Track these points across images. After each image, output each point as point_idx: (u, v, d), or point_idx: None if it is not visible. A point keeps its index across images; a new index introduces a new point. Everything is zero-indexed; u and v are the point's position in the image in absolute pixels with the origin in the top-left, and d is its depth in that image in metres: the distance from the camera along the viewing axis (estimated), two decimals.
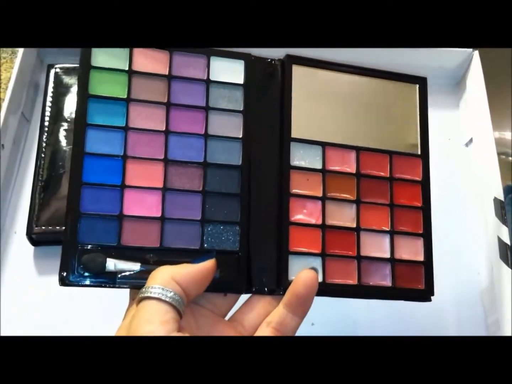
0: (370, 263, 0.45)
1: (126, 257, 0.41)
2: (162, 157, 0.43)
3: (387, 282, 0.45)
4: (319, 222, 0.45)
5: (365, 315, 0.56)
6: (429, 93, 0.49)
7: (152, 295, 0.37)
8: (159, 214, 0.43)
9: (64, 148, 0.58)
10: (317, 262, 0.44)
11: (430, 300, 0.46)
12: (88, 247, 0.41)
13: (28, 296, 0.54)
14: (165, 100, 0.44)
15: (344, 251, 0.45)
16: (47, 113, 0.60)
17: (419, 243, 0.47)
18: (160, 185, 0.43)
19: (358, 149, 0.46)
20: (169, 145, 0.44)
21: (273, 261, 0.43)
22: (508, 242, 0.53)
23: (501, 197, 0.54)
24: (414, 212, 0.47)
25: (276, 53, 0.48)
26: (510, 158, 0.76)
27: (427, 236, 0.47)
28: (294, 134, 0.46)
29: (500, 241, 0.54)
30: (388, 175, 0.47)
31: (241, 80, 0.46)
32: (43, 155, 0.58)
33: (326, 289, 0.43)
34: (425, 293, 0.46)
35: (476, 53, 0.62)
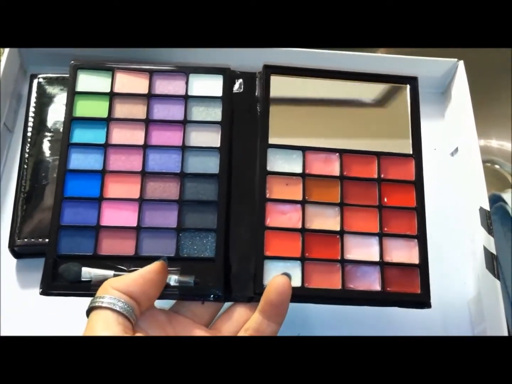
0: (356, 266, 0.45)
1: (102, 266, 0.43)
2: (139, 169, 0.46)
3: (376, 287, 0.44)
4: (299, 226, 0.45)
5: (351, 319, 0.55)
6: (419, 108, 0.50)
7: (92, 304, 0.39)
8: (135, 224, 0.45)
9: (47, 159, 0.58)
10: (295, 267, 0.44)
11: (429, 306, 0.45)
12: (67, 258, 0.44)
13: (10, 309, 0.53)
14: (144, 117, 0.48)
15: (327, 255, 0.45)
16: (30, 124, 0.60)
17: (413, 245, 0.46)
18: (137, 196, 0.46)
19: (341, 152, 0.47)
20: (147, 158, 0.47)
21: (252, 268, 0.44)
22: (494, 252, 0.53)
23: (486, 206, 0.54)
24: (407, 213, 0.47)
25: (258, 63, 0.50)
26: (496, 166, 0.77)
27: (422, 238, 0.46)
28: (272, 140, 0.47)
29: (486, 251, 0.54)
30: (376, 176, 0.47)
31: (219, 93, 0.49)
32: (25, 166, 0.58)
33: (306, 295, 0.43)
34: (421, 297, 0.44)
35: (461, 63, 0.62)
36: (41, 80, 0.62)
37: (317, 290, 0.43)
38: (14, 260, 0.56)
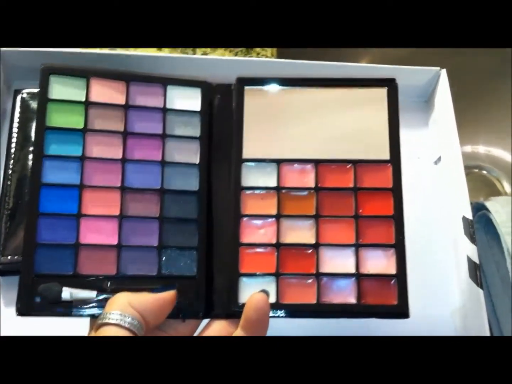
0: (332, 279, 0.45)
1: (83, 285, 0.43)
2: (119, 185, 0.45)
3: (352, 299, 0.44)
4: (274, 241, 0.45)
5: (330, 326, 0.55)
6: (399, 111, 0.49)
7: (111, 321, 0.38)
8: (115, 242, 0.44)
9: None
10: (270, 283, 0.44)
11: (407, 316, 0.44)
12: (45, 277, 0.43)
13: None
14: (122, 129, 0.47)
15: (302, 269, 0.45)
16: (14, 139, 0.60)
17: (390, 254, 0.45)
18: (117, 212, 0.45)
19: (316, 162, 0.47)
20: (126, 173, 0.46)
21: (229, 285, 0.45)
22: (477, 261, 0.53)
23: (469, 215, 0.55)
24: (384, 222, 0.46)
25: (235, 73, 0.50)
26: (483, 171, 0.77)
27: (399, 247, 0.45)
28: (246, 154, 0.47)
29: (469, 260, 0.54)
30: (352, 186, 0.47)
31: (197, 107, 0.49)
32: (9, 183, 0.58)
33: (281, 311, 0.44)
34: (398, 308, 0.44)
35: (443, 71, 0.63)
36: (25, 95, 0.62)
37: (292, 306, 0.44)
38: None
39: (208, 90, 0.49)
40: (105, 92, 0.47)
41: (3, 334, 0.52)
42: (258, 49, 0.72)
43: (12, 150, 0.59)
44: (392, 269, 0.45)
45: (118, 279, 0.44)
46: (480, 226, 0.59)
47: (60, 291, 0.42)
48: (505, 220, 0.55)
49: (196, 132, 0.48)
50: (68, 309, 0.42)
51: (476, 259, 0.54)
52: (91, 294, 0.42)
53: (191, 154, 0.48)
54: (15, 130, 0.60)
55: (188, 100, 0.49)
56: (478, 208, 0.59)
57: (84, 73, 0.47)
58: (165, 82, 0.49)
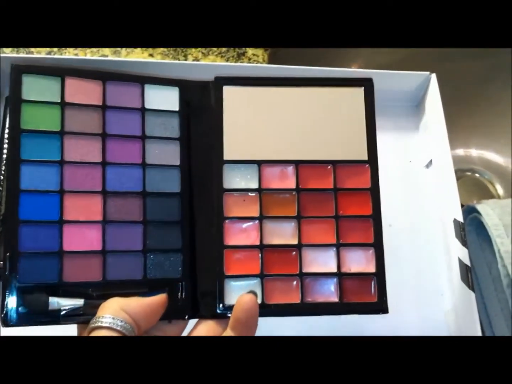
0: (315, 279, 0.46)
1: (69, 293, 0.42)
2: (100, 189, 0.45)
3: (334, 298, 0.45)
4: (257, 243, 0.46)
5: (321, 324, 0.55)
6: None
7: (103, 324, 0.39)
8: (100, 248, 0.44)
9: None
10: (256, 284, 0.45)
11: (386, 311, 0.45)
12: (29, 287, 0.42)
13: None
14: (101, 131, 0.46)
15: (285, 270, 0.46)
16: (5, 145, 0.59)
17: (370, 253, 0.46)
18: (100, 218, 0.44)
19: (297, 163, 0.47)
20: (107, 176, 0.45)
21: (215, 286, 0.45)
22: (469, 264, 0.53)
23: (460, 218, 0.55)
24: (363, 222, 0.47)
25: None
26: (476, 174, 0.77)
27: (378, 246, 0.46)
28: (227, 156, 0.47)
29: (461, 263, 0.55)
30: (332, 186, 0.47)
31: (176, 107, 0.48)
32: (1, 189, 0.57)
33: (267, 311, 0.45)
34: (377, 305, 0.45)
35: (433, 76, 0.64)
36: None
37: (277, 306, 0.45)
38: None
39: (186, 89, 0.48)
40: (80, 91, 0.46)
41: (3, 334, 0.52)
42: (249, 54, 0.73)
43: (4, 157, 0.59)
44: (371, 268, 0.46)
45: (103, 285, 0.43)
46: (472, 228, 0.59)
47: (47, 302, 0.42)
48: (496, 223, 0.55)
49: (176, 133, 0.48)
50: (56, 318, 0.42)
51: (467, 261, 0.54)
52: (78, 302, 0.42)
53: (172, 156, 0.47)
54: (6, 136, 0.60)
55: (166, 99, 0.48)
56: (470, 211, 0.59)
57: (58, 72, 0.46)
58: (142, 81, 0.47)
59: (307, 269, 0.46)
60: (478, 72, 0.81)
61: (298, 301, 0.45)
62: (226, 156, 0.47)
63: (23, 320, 0.41)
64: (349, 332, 0.54)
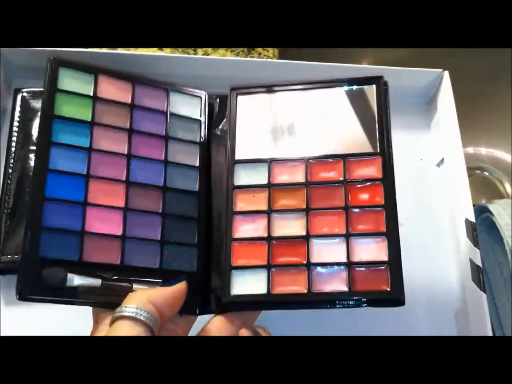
0: (323, 269, 0.46)
1: (87, 273, 0.43)
2: (124, 178, 0.47)
3: (344, 287, 0.45)
4: (265, 235, 0.47)
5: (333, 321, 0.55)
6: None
7: (127, 314, 0.39)
8: (120, 233, 0.46)
9: (31, 174, 0.57)
10: (262, 274, 0.46)
11: (402, 303, 0.44)
12: (49, 262, 0.43)
13: None
14: (127, 127, 0.49)
15: (293, 260, 0.46)
16: (14, 139, 0.61)
17: (382, 243, 0.46)
18: (122, 204, 0.47)
19: (307, 159, 0.49)
20: (131, 168, 0.48)
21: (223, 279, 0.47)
22: (480, 265, 0.53)
23: (472, 218, 0.55)
24: (375, 212, 0.47)
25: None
26: (485, 173, 0.77)
27: (391, 234, 0.45)
28: (239, 156, 0.50)
29: (472, 263, 0.54)
30: (342, 179, 0.48)
31: (197, 115, 0.52)
32: (9, 182, 0.58)
33: (272, 301, 0.45)
34: (391, 294, 0.44)
35: (446, 73, 0.64)
36: (25, 94, 0.62)
37: (283, 296, 0.45)
38: None
39: (207, 100, 0.53)
40: (112, 90, 0.49)
41: (3, 334, 0.53)
42: (259, 49, 0.72)
43: (13, 149, 0.60)
44: (383, 256, 0.45)
45: (121, 269, 0.45)
46: (483, 228, 0.59)
47: (65, 278, 0.42)
48: (508, 223, 0.55)
49: (196, 137, 0.52)
50: (72, 296, 0.42)
51: (479, 262, 0.54)
52: (96, 282, 0.43)
53: (192, 157, 0.51)
54: (15, 129, 0.61)
55: (189, 107, 0.52)
56: (481, 211, 0.59)
57: (92, 69, 0.49)
58: (168, 88, 0.52)
59: (315, 259, 0.46)
60: (487, 69, 0.81)
61: (305, 290, 0.45)
62: (238, 156, 0.50)
63: (40, 293, 0.42)
64: (355, 329, 0.54)
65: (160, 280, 0.45)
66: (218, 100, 0.54)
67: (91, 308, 0.45)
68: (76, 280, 0.42)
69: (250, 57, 0.72)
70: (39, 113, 0.60)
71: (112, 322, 0.40)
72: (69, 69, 0.48)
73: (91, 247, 0.45)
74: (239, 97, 0.52)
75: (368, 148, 0.49)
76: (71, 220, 0.45)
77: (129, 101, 0.50)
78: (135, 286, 0.44)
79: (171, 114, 0.51)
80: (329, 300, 0.45)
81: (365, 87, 0.51)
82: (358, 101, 0.51)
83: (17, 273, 0.55)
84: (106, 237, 0.45)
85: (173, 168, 0.49)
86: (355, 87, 0.51)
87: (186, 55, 0.70)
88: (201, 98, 0.53)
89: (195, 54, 0.71)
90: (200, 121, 0.52)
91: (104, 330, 0.41)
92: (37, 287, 0.42)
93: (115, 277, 0.44)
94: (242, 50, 0.72)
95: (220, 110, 0.54)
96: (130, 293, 0.42)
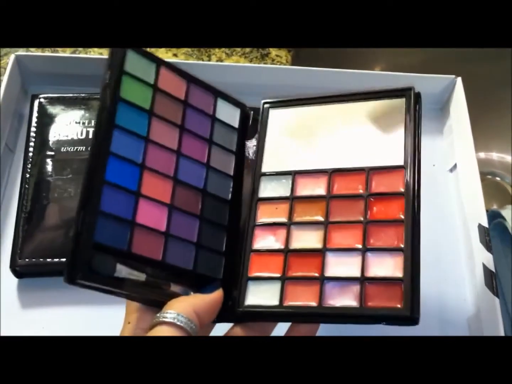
0: (336, 283, 0.45)
1: (132, 265, 0.43)
2: (172, 174, 0.48)
3: (355, 303, 0.44)
4: (283, 246, 0.47)
5: None
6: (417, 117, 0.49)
7: (166, 320, 0.39)
8: (164, 229, 0.46)
9: (48, 179, 0.59)
10: (276, 286, 0.46)
11: (415, 322, 0.42)
12: (102, 246, 0.41)
13: (11, 329, 0.54)
14: (179, 123, 0.49)
15: (308, 273, 0.46)
16: (31, 144, 0.62)
17: (399, 259, 0.44)
18: (168, 201, 0.47)
19: (331, 172, 0.49)
20: (179, 165, 0.48)
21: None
22: (493, 270, 0.53)
23: (485, 223, 0.55)
24: (394, 226, 0.45)
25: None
26: (497, 178, 0.77)
27: (409, 250, 0.44)
28: (265, 169, 0.51)
29: (485, 268, 0.55)
30: (364, 192, 0.47)
31: (236, 125, 0.53)
32: (27, 186, 0.59)
33: (283, 312, 0.45)
34: (402, 311, 0.42)
35: (459, 80, 0.64)
36: (42, 100, 0.64)
37: (294, 307, 0.45)
38: (16, 280, 0.57)
39: (245, 111, 0.54)
40: (170, 83, 0.49)
41: (3, 334, 0.54)
42: (273, 55, 0.73)
43: (30, 155, 0.61)
44: (398, 273, 0.44)
45: (161, 266, 0.45)
46: (495, 234, 0.60)
47: (115, 267, 0.41)
48: None
49: (233, 146, 0.53)
50: (119, 287, 0.42)
51: (492, 267, 0.54)
52: (141, 276, 0.43)
53: (228, 165, 0.52)
54: (32, 134, 0.62)
55: (230, 115, 0.53)
56: (494, 216, 0.60)
57: (156, 58, 0.49)
58: (216, 93, 0.52)
59: (330, 273, 0.45)
60: (499, 74, 0.81)
61: (316, 304, 0.44)
62: (264, 169, 0.51)
63: (90, 278, 0.40)
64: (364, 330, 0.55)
65: (194, 284, 0.45)
66: (252, 112, 0.54)
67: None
68: (124, 271, 0.42)
69: (264, 63, 0.73)
70: (56, 119, 0.63)
71: (151, 327, 0.40)
72: (136, 53, 0.47)
73: (140, 239, 0.44)
74: (271, 111, 0.53)
75: (392, 161, 0.47)
76: (125, 208, 0.43)
77: (183, 98, 0.50)
78: (172, 286, 0.44)
79: (217, 119, 0.52)
80: (339, 315, 0.44)
81: (394, 99, 0.50)
82: (384, 112, 0.50)
83: (33, 276, 0.56)
84: (152, 231, 0.45)
85: (213, 173, 0.50)
86: (383, 100, 0.50)
87: (200, 62, 0.71)
88: (241, 108, 0.54)
89: (209, 60, 0.72)
90: (238, 130, 0.53)
91: (140, 333, 0.41)
92: (87, 273, 0.40)
93: (155, 273, 0.43)
94: (255, 57, 0.73)
95: (254, 122, 0.54)
96: (173, 299, 0.42)
